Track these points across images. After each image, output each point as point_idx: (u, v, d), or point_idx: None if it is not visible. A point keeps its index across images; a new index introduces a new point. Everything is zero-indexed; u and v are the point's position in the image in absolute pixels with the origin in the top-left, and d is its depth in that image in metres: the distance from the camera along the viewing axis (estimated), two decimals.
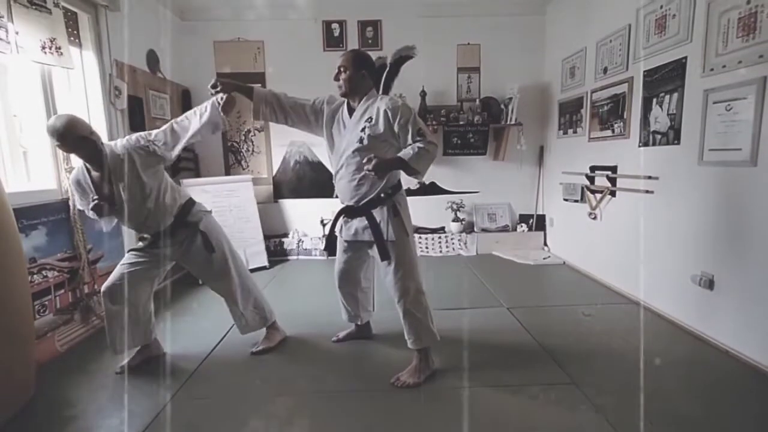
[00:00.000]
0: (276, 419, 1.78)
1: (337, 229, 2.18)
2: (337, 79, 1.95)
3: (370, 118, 1.89)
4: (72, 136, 1.82)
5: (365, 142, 1.88)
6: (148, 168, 2.00)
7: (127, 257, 2.13)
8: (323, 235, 4.47)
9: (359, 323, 2.44)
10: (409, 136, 1.83)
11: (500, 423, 1.71)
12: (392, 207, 1.97)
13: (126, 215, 2.01)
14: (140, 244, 2.16)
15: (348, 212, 2.07)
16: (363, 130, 1.89)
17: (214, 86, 1.96)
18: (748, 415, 1.73)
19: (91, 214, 1.97)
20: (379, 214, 1.97)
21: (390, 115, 1.85)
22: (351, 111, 1.98)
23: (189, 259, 2.21)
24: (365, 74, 1.95)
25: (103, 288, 2.07)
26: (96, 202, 1.89)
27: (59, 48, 2.41)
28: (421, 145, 1.78)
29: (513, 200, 4.66)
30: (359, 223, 2.02)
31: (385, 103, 1.88)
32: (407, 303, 1.98)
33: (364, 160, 1.78)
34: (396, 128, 1.85)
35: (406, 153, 1.79)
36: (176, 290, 3.52)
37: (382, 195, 1.97)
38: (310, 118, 2.08)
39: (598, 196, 3.44)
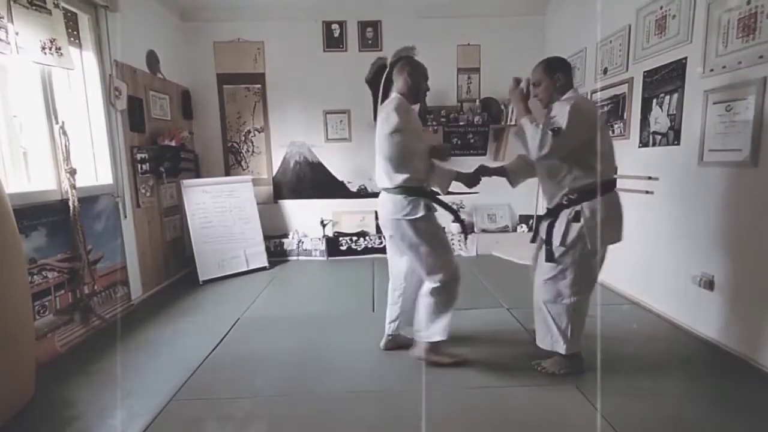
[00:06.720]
0: (277, 419, 1.77)
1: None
2: (535, 95, 2.00)
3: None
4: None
5: None
6: None
7: (388, 246, 2.36)
8: (323, 236, 4.47)
9: None
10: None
11: (501, 424, 1.71)
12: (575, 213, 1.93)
13: None
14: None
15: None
16: None
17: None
18: (750, 416, 1.73)
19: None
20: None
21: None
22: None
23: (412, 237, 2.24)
24: (559, 76, 1.94)
25: None
26: None
27: (59, 48, 2.41)
28: (541, 126, 1.81)
29: (513, 201, 4.65)
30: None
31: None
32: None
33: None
34: None
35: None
36: (176, 290, 3.52)
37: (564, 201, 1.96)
38: None
39: None
